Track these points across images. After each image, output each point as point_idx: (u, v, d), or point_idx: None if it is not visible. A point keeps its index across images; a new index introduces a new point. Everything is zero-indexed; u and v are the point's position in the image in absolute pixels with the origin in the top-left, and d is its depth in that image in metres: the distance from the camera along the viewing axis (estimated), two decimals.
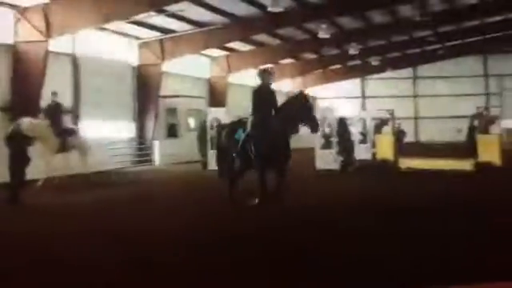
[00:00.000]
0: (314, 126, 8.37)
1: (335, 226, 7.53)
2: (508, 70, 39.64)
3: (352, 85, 41.04)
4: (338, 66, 37.18)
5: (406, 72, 41.25)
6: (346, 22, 25.50)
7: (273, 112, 8.52)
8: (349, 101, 39.29)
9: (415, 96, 41.47)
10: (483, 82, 40.76)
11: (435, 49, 35.47)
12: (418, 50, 36.17)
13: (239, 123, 9.02)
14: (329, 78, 37.79)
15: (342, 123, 16.26)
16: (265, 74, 8.78)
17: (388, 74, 39.59)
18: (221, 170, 9.45)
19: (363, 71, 39.30)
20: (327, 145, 16.15)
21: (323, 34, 24.18)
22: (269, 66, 24.07)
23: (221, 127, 9.58)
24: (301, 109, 8.35)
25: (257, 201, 8.44)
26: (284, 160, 8.39)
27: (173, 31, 21.52)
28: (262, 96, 8.59)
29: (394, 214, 8.30)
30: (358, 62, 36.01)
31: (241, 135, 8.58)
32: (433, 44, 33.79)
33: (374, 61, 35.16)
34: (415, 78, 41.81)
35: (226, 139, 9.02)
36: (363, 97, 41.95)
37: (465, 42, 35.23)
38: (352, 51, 29.71)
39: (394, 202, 9.62)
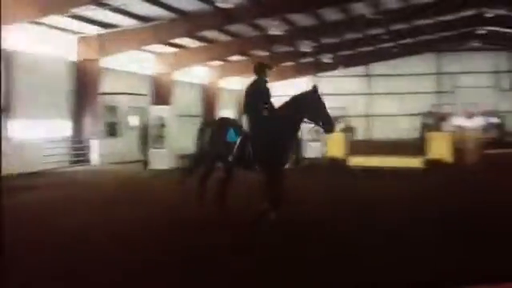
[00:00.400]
0: (330, 126, 7.90)
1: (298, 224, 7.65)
2: (460, 68, 41.29)
3: (304, 82, 41.55)
4: (290, 64, 37.62)
5: (360, 70, 42.24)
6: (299, 19, 25.84)
7: (267, 110, 8.05)
8: None
9: (368, 94, 42.49)
10: (436, 79, 42.27)
11: (389, 47, 36.46)
12: (371, 48, 37.04)
13: (228, 122, 8.48)
14: (280, 75, 38.14)
15: None
16: (262, 69, 8.28)
17: (341, 71, 40.39)
18: (189, 171, 8.80)
19: (316, 69, 39.90)
20: None
21: (275, 30, 24.43)
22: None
23: (201, 126, 8.82)
24: (315, 107, 7.85)
25: (273, 207, 7.73)
26: (285, 162, 8.00)
27: (115, 26, 21.23)
28: (260, 93, 8.11)
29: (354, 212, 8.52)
30: (310, 59, 36.54)
31: (233, 136, 7.99)
32: (386, 42, 34.71)
33: (327, 58, 35.79)
34: (368, 75, 42.84)
35: (210, 140, 8.33)
36: None
37: (418, 40, 36.43)
38: (304, 48, 30.14)
39: (349, 201, 9.89)
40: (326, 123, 7.83)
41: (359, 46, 35.72)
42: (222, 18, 21.93)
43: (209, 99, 32.22)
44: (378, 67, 42.22)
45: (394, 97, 41.06)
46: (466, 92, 39.46)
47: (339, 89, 40.71)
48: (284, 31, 25.50)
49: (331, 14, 26.04)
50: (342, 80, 41.50)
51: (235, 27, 25.07)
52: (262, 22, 24.59)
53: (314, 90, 7.98)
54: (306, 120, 7.94)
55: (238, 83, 35.26)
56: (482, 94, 39.54)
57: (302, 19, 26.02)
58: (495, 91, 41.11)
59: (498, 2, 28.54)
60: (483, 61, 41.39)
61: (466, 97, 38.03)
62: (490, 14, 30.71)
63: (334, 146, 17.33)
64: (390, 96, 41.35)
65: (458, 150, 17.47)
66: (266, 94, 8.11)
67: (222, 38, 26.83)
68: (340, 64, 38.29)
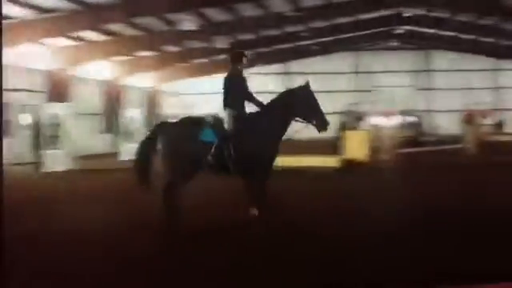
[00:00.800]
0: (324, 124, 7.71)
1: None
2: (378, 67, 43.36)
3: (218, 80, 41.77)
4: (204, 60, 37.76)
5: (277, 68, 43.20)
6: (214, 13, 25.96)
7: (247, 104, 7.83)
8: (214, 97, 40.04)
9: None
10: (354, 78, 44.10)
11: (307, 44, 37.56)
12: (289, 45, 37.94)
13: (200, 121, 7.75)
14: (193, 72, 38.19)
15: None
16: (240, 59, 7.97)
17: (258, 69, 41.06)
18: (145, 177, 7.59)
19: None
20: None
21: (188, 25, 24.47)
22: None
23: (162, 126, 7.97)
24: (307, 104, 7.77)
25: (257, 213, 7.54)
26: (270, 164, 7.75)
27: (7, 17, 20.49)
28: (238, 82, 7.84)
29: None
30: (225, 56, 36.84)
31: (211, 136, 7.46)
32: (305, 39, 35.72)
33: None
34: (286, 73, 43.89)
35: (177, 141, 7.54)
36: None
37: (336, 39, 37.85)
38: (220, 45, 30.38)
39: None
40: (320, 121, 7.70)
41: (277, 43, 36.53)
42: (129, 11, 21.72)
43: (111, 97, 31.61)
44: (296, 65, 43.38)
45: None
46: (384, 91, 41.50)
47: (256, 87, 41.33)
48: (198, 26, 25.60)
49: (248, 10, 26.46)
50: (258, 78, 42.28)
51: (144, 20, 24.86)
52: (174, 16, 24.56)
53: (306, 85, 7.89)
54: (297, 118, 7.83)
55: (146, 80, 34.91)
56: (399, 93, 41.74)
57: (218, 14, 26.24)
58: (413, 90, 43.56)
59: (416, 2, 30.33)
60: (401, 60, 43.73)
61: (384, 96, 40.00)
62: (407, 13, 32.49)
63: None
64: None
65: (374, 148, 18.37)
66: (244, 84, 7.88)
67: (129, 31, 26.52)
68: (257, 61, 38.92)
